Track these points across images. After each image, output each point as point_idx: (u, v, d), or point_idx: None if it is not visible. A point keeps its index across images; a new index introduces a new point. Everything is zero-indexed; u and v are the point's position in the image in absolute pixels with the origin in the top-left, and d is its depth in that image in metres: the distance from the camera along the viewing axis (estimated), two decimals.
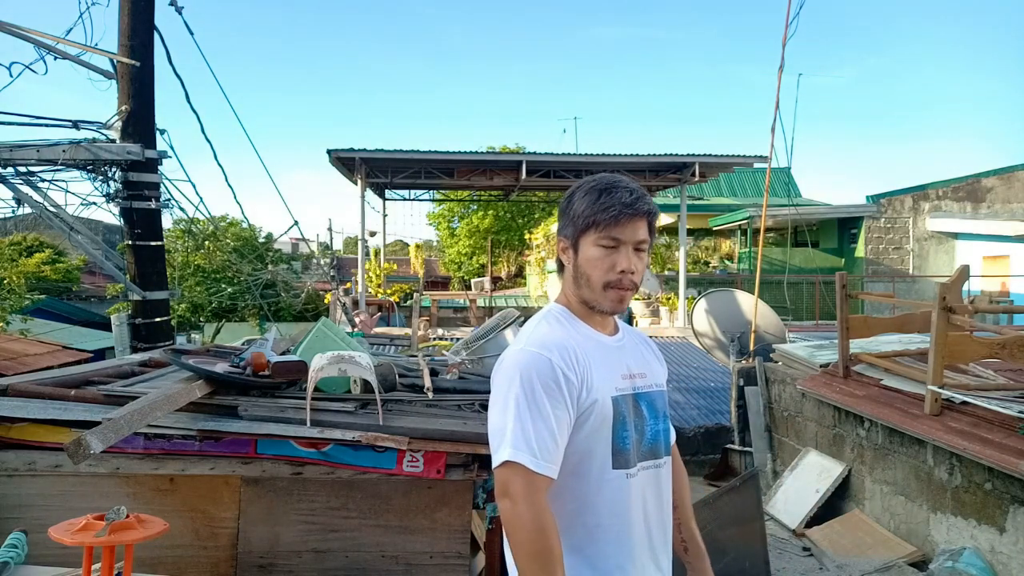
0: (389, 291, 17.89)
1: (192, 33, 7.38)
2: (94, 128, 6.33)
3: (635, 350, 1.66)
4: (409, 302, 15.36)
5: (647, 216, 1.53)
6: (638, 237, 1.52)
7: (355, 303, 14.35)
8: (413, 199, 19.20)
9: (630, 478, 1.51)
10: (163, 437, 2.68)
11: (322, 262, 18.61)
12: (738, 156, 14.32)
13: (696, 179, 15.00)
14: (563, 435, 1.43)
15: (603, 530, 1.49)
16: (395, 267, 22.33)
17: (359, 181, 14.70)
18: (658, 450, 1.60)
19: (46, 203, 6.30)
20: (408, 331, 8.39)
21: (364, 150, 13.75)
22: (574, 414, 1.46)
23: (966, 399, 4.52)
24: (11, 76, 5.93)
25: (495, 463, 1.42)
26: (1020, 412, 4.17)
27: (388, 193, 18.20)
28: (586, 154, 14.96)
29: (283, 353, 3.63)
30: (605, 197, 1.50)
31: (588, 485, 1.49)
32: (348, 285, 16.63)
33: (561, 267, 1.63)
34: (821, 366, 6.41)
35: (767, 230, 15.15)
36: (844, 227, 18.56)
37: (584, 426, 1.47)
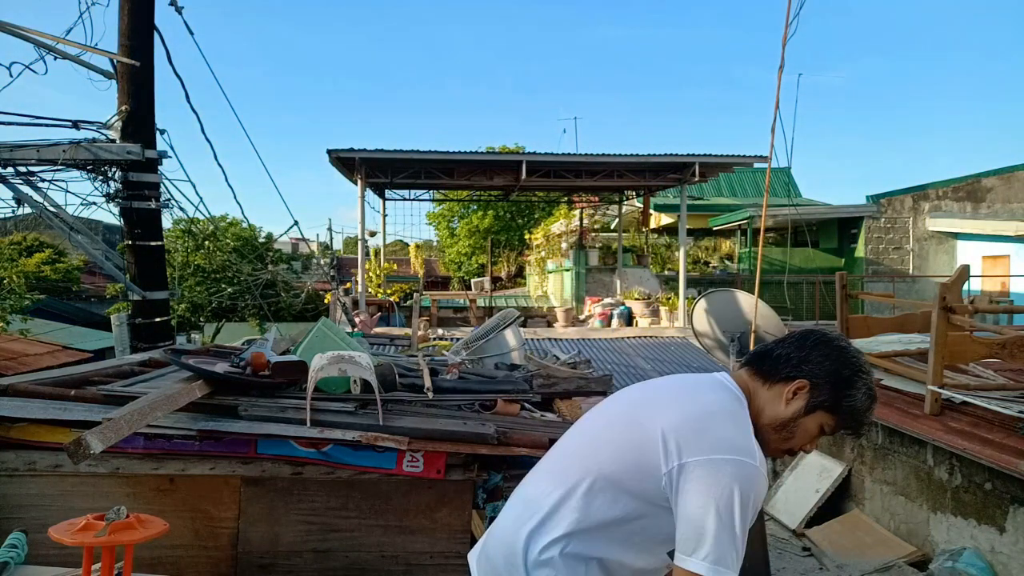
0: (389, 291, 17.87)
1: (192, 33, 7.35)
2: (94, 128, 6.32)
3: None
4: (409, 302, 15.35)
5: None
6: None
7: (355, 303, 14.34)
8: (413, 199, 19.18)
9: None
10: (163, 437, 2.68)
11: (322, 262, 18.58)
12: (738, 156, 14.29)
13: (696, 179, 14.97)
14: None
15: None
16: (395, 267, 22.31)
17: (359, 181, 14.68)
18: None
19: (46, 203, 6.28)
20: (408, 331, 8.40)
21: (364, 150, 13.72)
22: None
23: (966, 399, 4.53)
24: (11, 76, 5.92)
25: (690, 565, 1.41)
26: (1020, 412, 4.17)
27: (388, 193, 18.18)
28: (586, 154, 14.90)
29: (283, 353, 3.63)
30: (868, 414, 1.58)
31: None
32: (348, 285, 16.61)
33: (788, 375, 1.57)
34: None
35: (767, 230, 15.15)
36: (844, 227, 18.54)
37: None
